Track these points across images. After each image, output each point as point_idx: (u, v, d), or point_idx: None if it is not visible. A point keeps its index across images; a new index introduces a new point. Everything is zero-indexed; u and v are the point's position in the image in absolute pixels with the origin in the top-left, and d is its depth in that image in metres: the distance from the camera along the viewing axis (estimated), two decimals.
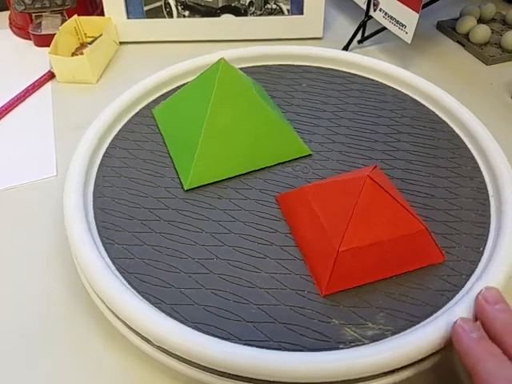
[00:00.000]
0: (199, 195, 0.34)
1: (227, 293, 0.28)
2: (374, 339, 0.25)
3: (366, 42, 0.56)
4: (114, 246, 0.30)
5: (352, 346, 0.25)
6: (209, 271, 0.29)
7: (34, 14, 0.57)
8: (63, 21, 0.56)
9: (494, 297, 0.24)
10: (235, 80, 0.35)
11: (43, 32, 0.56)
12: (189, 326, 0.25)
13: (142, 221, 0.32)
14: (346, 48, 0.55)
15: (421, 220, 0.28)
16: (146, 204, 0.33)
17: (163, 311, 0.27)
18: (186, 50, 0.55)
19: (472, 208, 0.32)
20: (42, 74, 0.51)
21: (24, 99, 0.49)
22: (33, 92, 0.50)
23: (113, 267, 0.29)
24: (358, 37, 0.56)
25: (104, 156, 0.37)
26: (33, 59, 0.55)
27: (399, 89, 0.43)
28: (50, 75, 0.52)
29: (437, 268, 0.29)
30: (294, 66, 0.46)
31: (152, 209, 0.33)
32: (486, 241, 0.30)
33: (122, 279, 0.28)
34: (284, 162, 0.36)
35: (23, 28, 0.58)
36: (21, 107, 0.48)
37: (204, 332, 0.25)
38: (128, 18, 0.55)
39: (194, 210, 0.33)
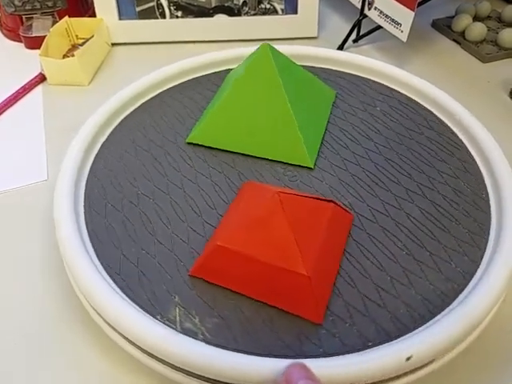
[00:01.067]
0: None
1: None
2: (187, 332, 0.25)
3: (361, 41, 0.56)
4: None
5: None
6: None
7: (24, 16, 0.56)
8: (54, 22, 0.55)
9: (296, 374, 0.22)
10: (270, 64, 0.36)
11: (34, 34, 0.55)
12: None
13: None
14: (340, 47, 0.54)
15: (309, 267, 0.25)
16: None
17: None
18: (179, 51, 0.54)
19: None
20: (32, 77, 0.50)
21: (14, 102, 0.48)
22: (23, 95, 0.49)
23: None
24: (353, 36, 0.55)
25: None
26: (24, 62, 0.54)
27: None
28: (41, 78, 0.51)
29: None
30: None
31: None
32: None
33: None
34: (281, 162, 0.36)
35: (14, 30, 0.58)
36: (11, 110, 0.47)
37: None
38: (120, 18, 0.55)
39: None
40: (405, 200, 0.32)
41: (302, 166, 0.35)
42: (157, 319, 0.26)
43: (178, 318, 0.26)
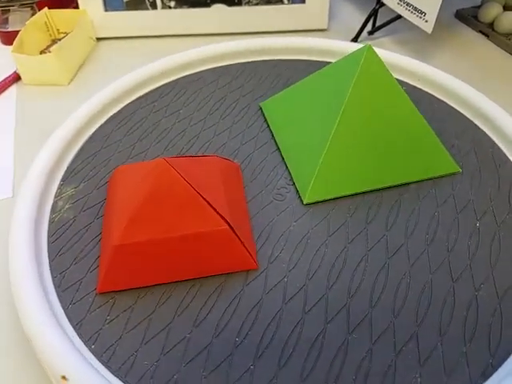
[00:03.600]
0: None
1: None
2: None
3: (377, 33, 0.50)
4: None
5: None
6: None
7: (0, 9, 0.50)
8: (33, 15, 0.49)
9: None
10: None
11: (10, 28, 0.50)
12: None
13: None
14: (355, 40, 0.48)
15: (228, 219, 0.24)
16: None
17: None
18: (171, 46, 0.48)
19: None
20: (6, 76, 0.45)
21: None
22: None
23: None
24: (368, 27, 0.49)
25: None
26: None
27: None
28: (16, 77, 0.45)
29: None
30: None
31: None
32: None
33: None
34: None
35: None
36: None
37: None
38: (106, 10, 0.49)
39: None
40: None
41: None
42: None
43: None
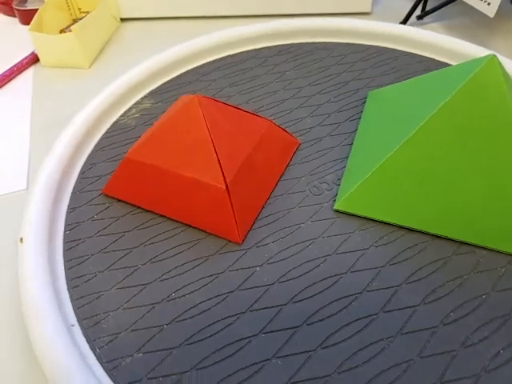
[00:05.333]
0: None
1: None
2: None
3: (426, 18, 0.45)
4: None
5: None
6: None
7: None
8: None
9: None
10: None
11: (29, 7, 0.47)
12: None
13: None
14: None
15: (229, 180, 0.23)
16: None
17: None
18: (200, 28, 0.45)
19: None
20: (24, 57, 0.41)
21: (0, 87, 0.39)
22: (11, 79, 0.40)
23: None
24: (417, 11, 0.44)
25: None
26: (17, 39, 0.45)
27: None
28: (34, 58, 0.42)
29: None
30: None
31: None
32: None
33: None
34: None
35: (7, 3, 0.49)
36: None
37: None
38: None
39: None
40: None
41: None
42: None
43: None
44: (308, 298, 0.21)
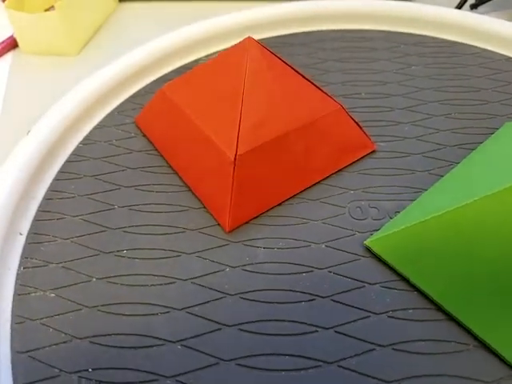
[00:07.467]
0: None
1: None
2: None
3: (481, 8, 0.38)
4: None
5: None
6: None
7: None
8: None
9: None
10: None
11: None
12: None
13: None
14: None
15: (243, 151, 0.19)
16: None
17: None
18: (206, 10, 0.38)
19: None
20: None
21: None
22: None
23: None
24: (471, 0, 0.38)
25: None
26: None
27: None
28: (12, 43, 0.35)
29: None
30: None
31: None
32: None
33: None
34: None
35: None
36: None
37: None
38: None
39: None
40: None
41: None
42: None
43: None
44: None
